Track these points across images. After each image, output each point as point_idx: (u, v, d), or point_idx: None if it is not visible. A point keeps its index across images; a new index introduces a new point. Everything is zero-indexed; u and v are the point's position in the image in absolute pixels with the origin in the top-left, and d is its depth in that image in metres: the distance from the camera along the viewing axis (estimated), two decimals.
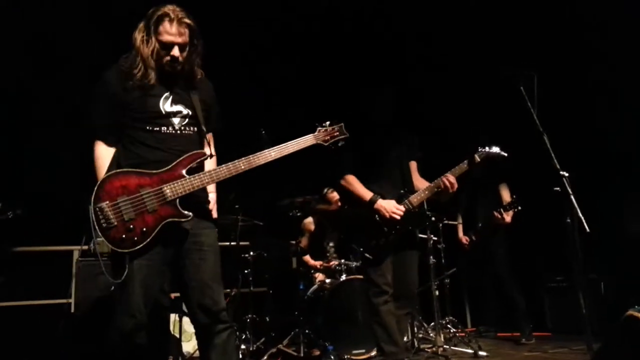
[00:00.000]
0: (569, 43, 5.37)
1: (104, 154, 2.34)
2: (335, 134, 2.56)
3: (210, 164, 2.45)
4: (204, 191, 2.38)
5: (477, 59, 5.66)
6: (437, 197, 3.35)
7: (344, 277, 4.51)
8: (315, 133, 2.52)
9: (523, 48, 5.35)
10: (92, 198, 2.17)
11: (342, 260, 4.73)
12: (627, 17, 4.99)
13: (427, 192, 3.33)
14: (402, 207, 3.27)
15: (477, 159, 3.36)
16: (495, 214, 4.90)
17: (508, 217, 4.93)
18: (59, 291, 4.40)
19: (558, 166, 2.98)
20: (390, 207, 3.25)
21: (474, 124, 5.90)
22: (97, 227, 2.14)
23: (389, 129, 3.51)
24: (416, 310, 4.63)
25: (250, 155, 2.33)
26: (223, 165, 2.31)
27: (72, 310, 4.10)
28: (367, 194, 3.32)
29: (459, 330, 4.90)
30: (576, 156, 4.32)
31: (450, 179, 3.26)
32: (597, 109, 5.36)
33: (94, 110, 2.36)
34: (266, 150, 2.35)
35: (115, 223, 2.15)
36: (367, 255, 3.29)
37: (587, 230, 2.78)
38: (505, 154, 3.39)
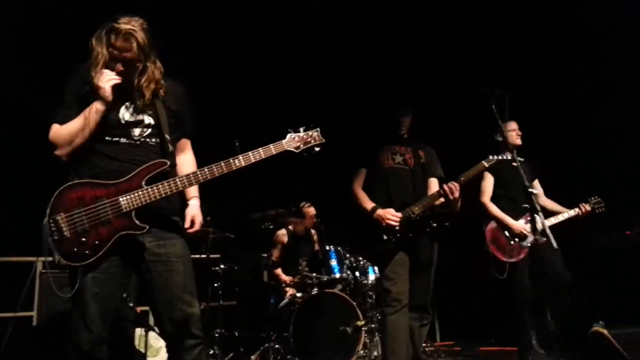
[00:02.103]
0: (557, 56, 5.49)
1: (64, 125, 2.25)
2: (310, 140, 2.38)
3: (189, 170, 2.38)
4: (167, 201, 2.29)
5: (459, 76, 5.71)
6: (442, 207, 3.33)
7: (315, 291, 4.49)
8: (286, 139, 2.36)
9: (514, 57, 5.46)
10: (48, 210, 2.12)
11: (314, 274, 4.70)
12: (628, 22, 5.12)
13: (429, 200, 3.34)
14: (398, 214, 3.30)
15: (485, 164, 3.35)
16: (582, 207, 4.19)
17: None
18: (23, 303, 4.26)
19: (527, 183, 3.06)
20: (386, 214, 3.30)
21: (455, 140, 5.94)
22: (49, 240, 2.09)
23: (402, 143, 3.58)
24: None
25: (214, 165, 2.26)
26: (184, 175, 2.26)
27: (34, 323, 3.98)
28: (369, 205, 3.40)
29: (428, 344, 4.92)
30: (548, 171, 4.42)
31: (452, 184, 3.23)
32: (574, 124, 5.45)
33: (59, 104, 2.30)
34: (231, 159, 2.26)
35: (68, 235, 2.11)
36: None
37: (555, 246, 2.85)
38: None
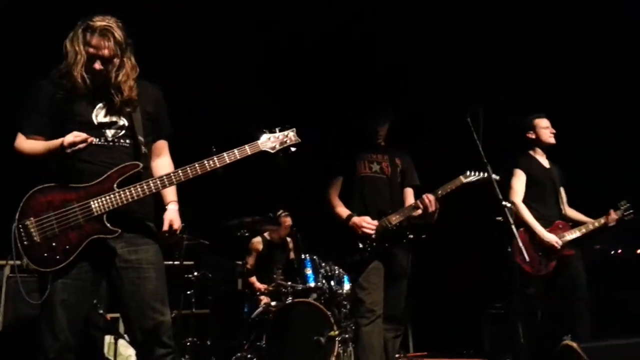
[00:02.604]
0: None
1: (30, 142, 2.22)
2: (285, 140, 2.35)
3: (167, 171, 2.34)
4: (140, 205, 2.26)
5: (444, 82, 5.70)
6: (419, 218, 3.33)
7: (290, 300, 4.46)
8: (262, 140, 2.32)
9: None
10: (17, 215, 2.09)
11: (289, 283, 4.67)
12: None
13: (406, 211, 3.34)
14: (374, 222, 3.30)
15: (463, 180, 3.33)
16: (610, 215, 3.94)
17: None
18: None
19: (500, 196, 3.09)
20: (361, 221, 3.30)
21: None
22: (19, 246, 2.05)
23: (379, 151, 3.58)
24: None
25: (188, 166, 2.22)
26: (157, 177, 2.22)
27: (0, 328, 3.88)
28: (345, 213, 3.39)
29: (401, 355, 4.92)
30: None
31: (429, 197, 3.25)
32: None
33: (22, 111, 2.26)
34: (205, 160, 2.23)
35: (38, 240, 2.07)
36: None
37: (527, 259, 2.88)
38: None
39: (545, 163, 4.06)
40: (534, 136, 4.02)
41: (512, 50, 5.43)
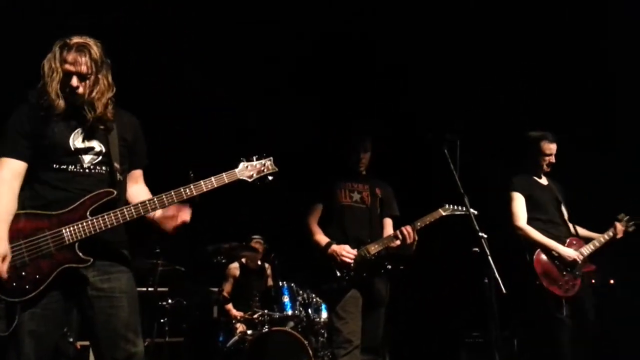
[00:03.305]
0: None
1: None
2: (263, 169, 2.33)
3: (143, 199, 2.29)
4: (113, 233, 2.20)
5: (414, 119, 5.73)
6: (397, 249, 3.34)
7: (266, 329, 4.39)
8: (239, 168, 2.29)
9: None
10: None
11: (265, 311, 4.61)
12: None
13: (385, 242, 3.35)
14: (353, 252, 3.29)
15: (442, 212, 3.37)
16: (616, 228, 3.83)
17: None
18: None
19: (477, 227, 3.11)
20: (341, 250, 3.29)
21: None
22: None
23: (360, 180, 3.59)
24: None
25: (164, 194, 2.19)
26: (131, 205, 2.18)
27: None
28: (324, 240, 3.38)
29: None
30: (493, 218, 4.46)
31: (407, 229, 3.27)
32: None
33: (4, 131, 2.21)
34: (182, 188, 2.19)
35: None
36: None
37: (504, 291, 2.89)
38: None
39: (543, 181, 3.95)
40: (532, 156, 3.88)
41: (512, 50, 5.42)
